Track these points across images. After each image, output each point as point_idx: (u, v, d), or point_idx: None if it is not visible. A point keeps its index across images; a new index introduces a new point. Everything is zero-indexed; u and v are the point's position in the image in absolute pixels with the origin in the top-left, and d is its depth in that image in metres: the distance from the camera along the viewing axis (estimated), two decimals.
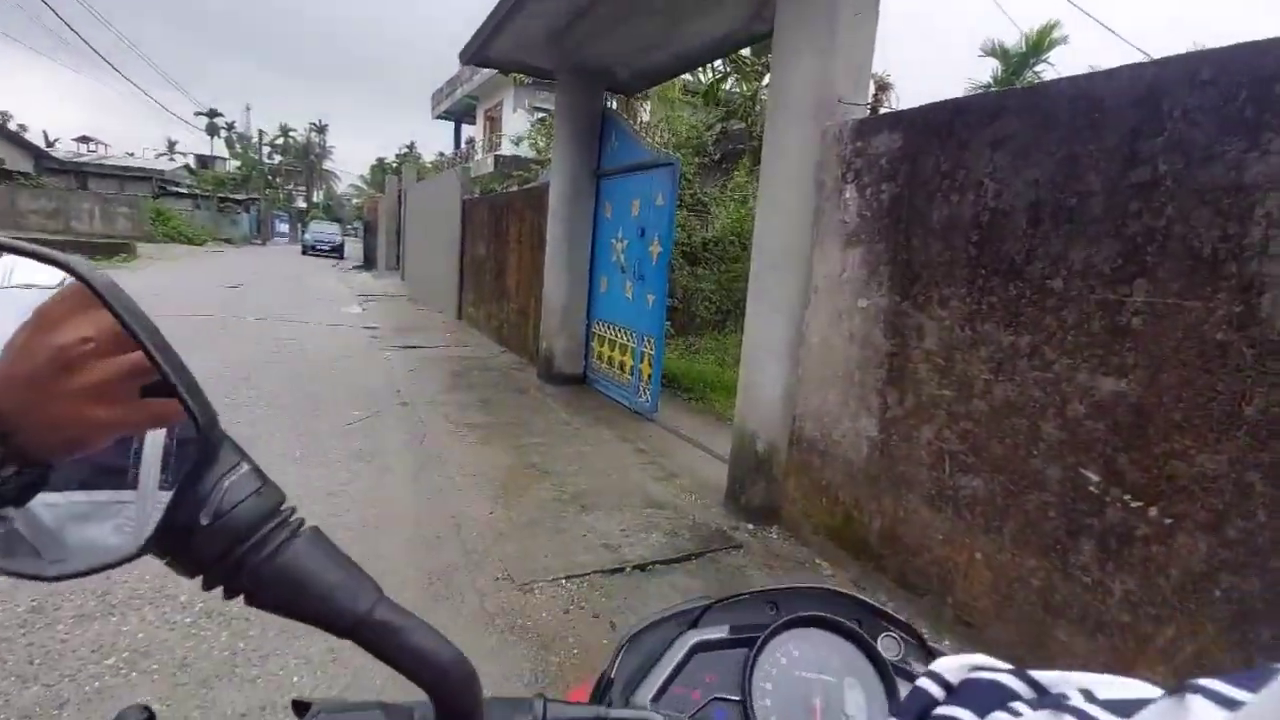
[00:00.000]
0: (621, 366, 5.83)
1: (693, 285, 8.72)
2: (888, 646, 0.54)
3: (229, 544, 0.34)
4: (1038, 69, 12.28)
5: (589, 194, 6.21)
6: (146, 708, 0.37)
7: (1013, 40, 12.45)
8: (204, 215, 32.63)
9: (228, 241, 31.18)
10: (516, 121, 18.55)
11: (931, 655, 0.53)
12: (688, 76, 9.38)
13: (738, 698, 0.51)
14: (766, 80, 7.91)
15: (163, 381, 0.32)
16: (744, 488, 3.49)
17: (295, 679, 1.97)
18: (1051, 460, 2.06)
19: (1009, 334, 2.21)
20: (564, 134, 6.17)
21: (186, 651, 2.05)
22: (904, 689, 0.50)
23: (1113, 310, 1.92)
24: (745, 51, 8.76)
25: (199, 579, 0.34)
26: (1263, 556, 1.60)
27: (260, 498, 0.35)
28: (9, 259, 0.34)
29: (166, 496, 0.33)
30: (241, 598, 0.35)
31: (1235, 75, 1.69)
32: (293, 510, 0.37)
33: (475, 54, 6.21)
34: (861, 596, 0.57)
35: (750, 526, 3.39)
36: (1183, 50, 1.91)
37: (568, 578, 2.71)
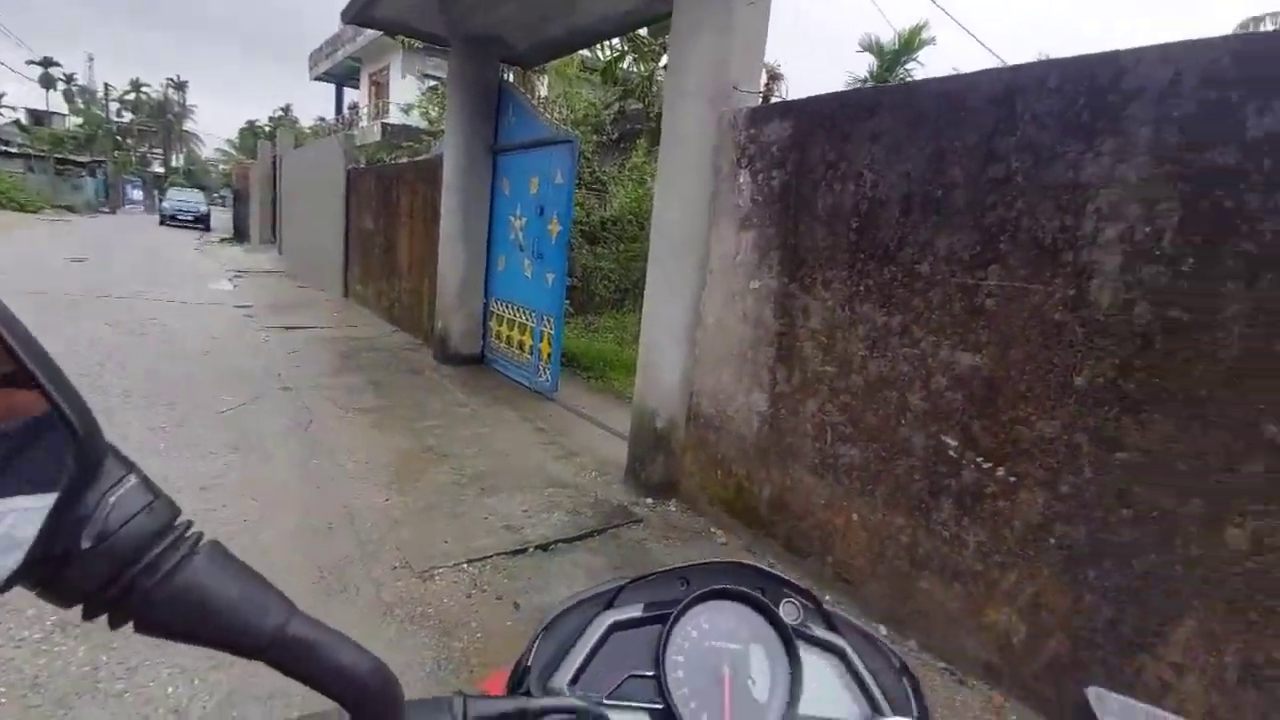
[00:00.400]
0: (521, 346, 5.76)
1: (592, 264, 8.71)
2: (788, 612, 0.58)
3: (116, 568, 0.30)
4: (908, 66, 13.10)
5: (485, 169, 6.02)
6: None
7: (888, 38, 13.20)
8: (39, 179, 28.66)
9: (69, 209, 27.53)
10: (405, 88, 17.57)
11: (826, 617, 0.59)
12: (586, 53, 9.25)
13: (652, 673, 0.53)
14: (664, 61, 7.95)
15: (25, 378, 0.28)
16: (643, 464, 3.57)
17: (169, 690, 1.83)
18: (917, 428, 2.27)
19: (883, 314, 2.39)
20: (457, 104, 5.93)
21: (38, 670, 1.86)
22: (803, 648, 0.55)
23: (970, 293, 2.12)
24: (643, 31, 8.75)
25: (79, 608, 0.30)
26: (1089, 508, 1.86)
27: (152, 514, 0.32)
28: None
29: (16, 503, 0.28)
30: (130, 625, 0.32)
31: (1076, 83, 1.90)
32: (189, 524, 0.34)
33: (359, 13, 5.82)
34: (765, 567, 0.61)
35: (650, 501, 3.49)
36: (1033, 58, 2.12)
37: (469, 562, 2.68)
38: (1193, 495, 1.67)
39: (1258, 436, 1.57)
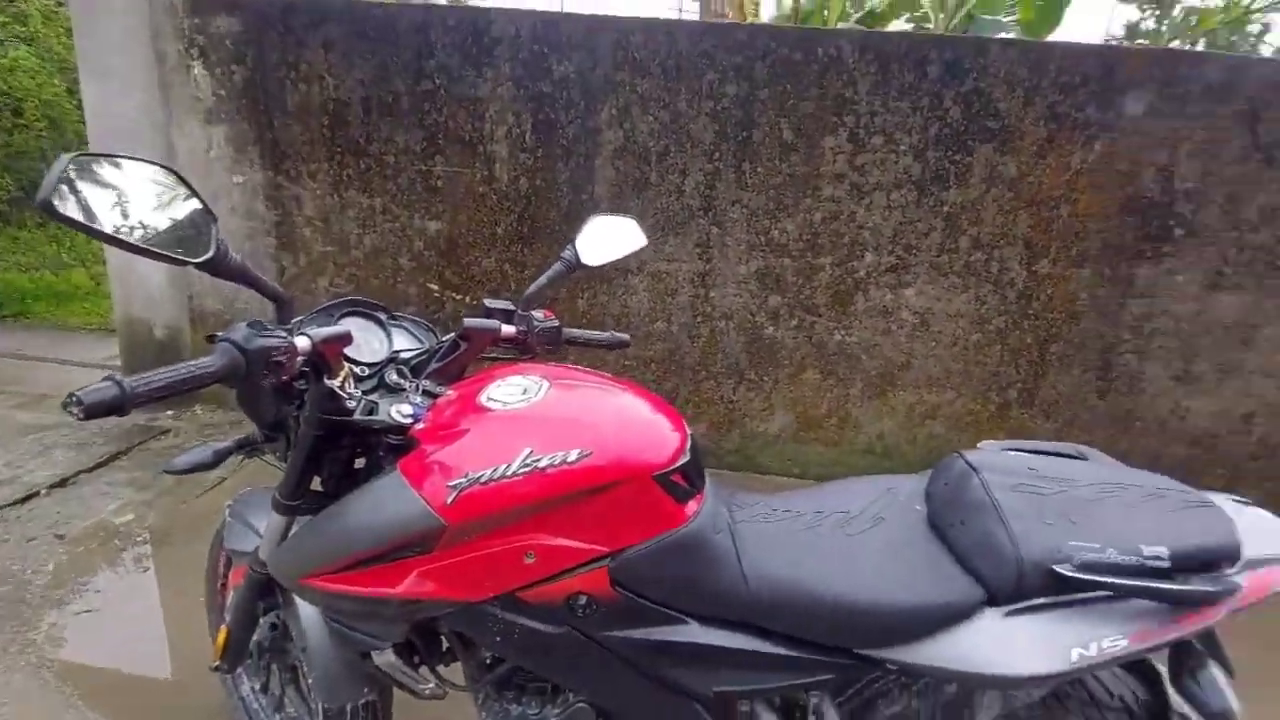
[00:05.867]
0: None
1: None
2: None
3: None
4: None
5: None
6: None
7: None
8: None
9: None
10: None
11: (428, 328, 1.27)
12: None
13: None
14: None
15: None
16: None
17: None
18: (411, 282, 3.07)
19: (366, 197, 3.02)
20: None
21: None
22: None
23: (426, 177, 2.94)
24: None
25: None
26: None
27: None
28: None
29: None
30: None
31: (465, 25, 2.76)
32: None
33: None
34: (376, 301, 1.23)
35: (171, 411, 3.46)
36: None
37: None
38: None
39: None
